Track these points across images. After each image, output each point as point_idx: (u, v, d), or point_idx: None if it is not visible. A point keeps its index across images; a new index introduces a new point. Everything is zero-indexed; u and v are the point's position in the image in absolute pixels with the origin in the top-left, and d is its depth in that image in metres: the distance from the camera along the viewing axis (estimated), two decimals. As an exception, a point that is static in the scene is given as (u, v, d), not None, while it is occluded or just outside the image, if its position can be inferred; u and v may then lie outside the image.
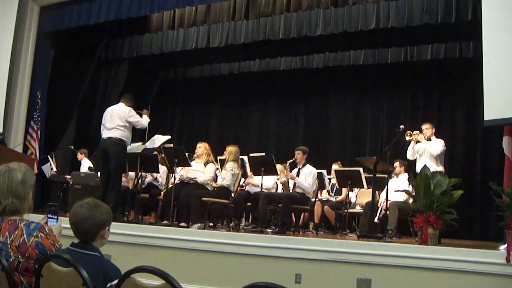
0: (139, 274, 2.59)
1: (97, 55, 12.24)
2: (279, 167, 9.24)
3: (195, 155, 9.27)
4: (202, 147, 9.27)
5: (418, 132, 8.70)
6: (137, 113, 8.80)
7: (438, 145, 8.48)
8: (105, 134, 8.61)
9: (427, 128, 8.68)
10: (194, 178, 8.89)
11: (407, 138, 8.70)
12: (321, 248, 6.78)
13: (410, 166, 9.23)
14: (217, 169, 9.71)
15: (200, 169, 9.06)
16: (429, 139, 8.60)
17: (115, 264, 3.03)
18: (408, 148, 8.79)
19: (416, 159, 8.74)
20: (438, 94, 11.93)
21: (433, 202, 6.84)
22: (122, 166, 8.84)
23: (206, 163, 9.10)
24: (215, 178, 9.47)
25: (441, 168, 8.35)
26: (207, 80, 14.09)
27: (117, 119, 8.55)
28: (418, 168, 8.29)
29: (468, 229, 9.84)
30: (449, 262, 6.23)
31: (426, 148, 8.51)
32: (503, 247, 6.28)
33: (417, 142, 8.64)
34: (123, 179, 9.33)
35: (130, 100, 8.84)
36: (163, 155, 9.33)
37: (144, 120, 8.85)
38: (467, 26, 9.00)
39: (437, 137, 8.70)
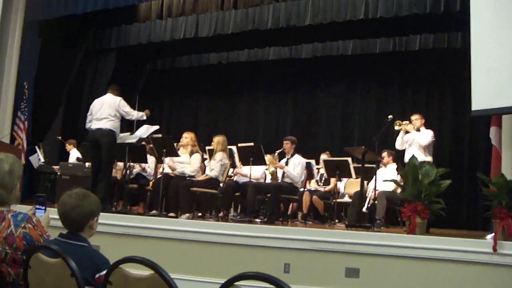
0: (128, 264, 2.59)
1: (84, 45, 12.17)
2: (267, 157, 9.25)
3: (179, 144, 9.23)
4: (188, 138, 9.24)
5: (407, 122, 8.71)
6: (132, 107, 8.82)
7: (427, 136, 8.50)
8: (94, 125, 8.55)
9: (416, 119, 8.69)
10: (181, 173, 8.91)
11: (396, 127, 8.71)
12: (309, 237, 6.81)
13: (398, 156, 9.26)
14: (205, 159, 9.71)
15: (185, 161, 9.06)
16: (418, 130, 8.61)
17: (103, 255, 3.02)
18: (397, 138, 8.80)
19: (404, 149, 8.76)
20: (426, 84, 11.98)
21: (421, 192, 6.87)
22: (113, 157, 8.82)
23: (191, 154, 9.10)
24: (203, 168, 9.47)
25: (429, 158, 8.38)
26: (196, 70, 14.04)
27: (108, 110, 8.50)
28: (406, 158, 8.33)
29: (455, 218, 9.90)
30: (436, 251, 6.28)
31: (415, 139, 8.52)
32: (490, 236, 6.34)
33: (406, 132, 8.66)
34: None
35: (118, 90, 8.82)
36: (151, 145, 9.30)
37: (135, 113, 8.81)
38: (455, 16, 9.02)
39: (426, 127, 8.72)
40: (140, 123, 9.54)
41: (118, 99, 8.62)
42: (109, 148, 8.45)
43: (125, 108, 8.65)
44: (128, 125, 10.40)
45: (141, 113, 8.91)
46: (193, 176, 8.90)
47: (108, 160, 8.51)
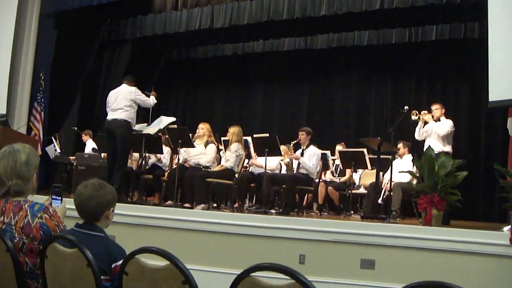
0: (144, 254, 2.60)
1: (100, 36, 12.19)
2: (283, 148, 9.24)
3: (195, 136, 9.24)
4: (204, 128, 9.24)
5: (426, 112, 8.56)
6: (145, 94, 8.82)
7: (445, 126, 8.33)
8: (110, 115, 8.58)
9: (436, 109, 8.52)
10: (197, 164, 8.92)
11: (413, 117, 8.59)
12: (325, 229, 6.79)
13: (414, 147, 9.20)
14: (220, 150, 9.71)
15: (201, 151, 9.06)
16: (438, 120, 8.46)
17: (119, 245, 3.04)
18: (416, 129, 8.65)
19: (425, 140, 8.63)
20: (442, 74, 11.90)
21: (437, 183, 6.83)
22: (129, 148, 8.85)
23: (206, 144, 9.10)
24: (218, 159, 9.48)
25: (448, 149, 8.22)
26: (211, 61, 14.06)
27: (123, 100, 8.52)
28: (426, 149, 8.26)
29: (472, 210, 9.85)
30: (452, 243, 6.24)
31: (434, 129, 8.39)
32: (506, 228, 6.29)
33: (425, 122, 8.53)
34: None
35: (133, 81, 8.83)
36: (167, 136, 9.32)
37: (150, 100, 8.86)
38: (472, 6, 8.93)
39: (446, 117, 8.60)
40: (155, 113, 9.57)
41: (133, 89, 8.64)
42: (124, 139, 8.47)
43: (141, 97, 8.69)
44: (144, 116, 10.44)
45: (152, 97, 8.94)
46: (208, 167, 8.91)
47: (123, 150, 8.53)
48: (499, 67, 6.93)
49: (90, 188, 3.07)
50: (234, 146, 8.79)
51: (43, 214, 3.03)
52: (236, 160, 8.77)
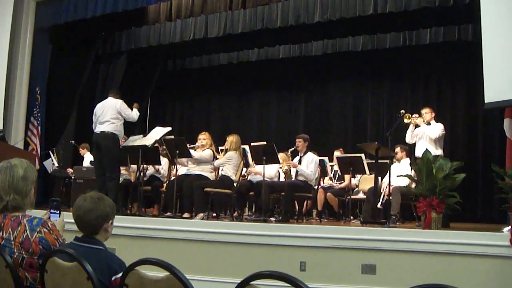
0: (144, 266, 2.60)
1: (95, 49, 12.21)
2: (281, 155, 9.23)
3: (196, 146, 9.20)
4: (206, 137, 9.16)
5: (417, 115, 8.66)
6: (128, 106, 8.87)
7: (437, 129, 8.45)
8: (97, 128, 8.69)
9: (426, 113, 8.64)
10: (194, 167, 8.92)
11: (406, 120, 8.64)
12: (325, 235, 6.80)
13: (411, 151, 9.21)
14: (217, 159, 9.70)
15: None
16: (428, 123, 8.55)
17: (119, 257, 3.03)
18: (407, 132, 8.75)
19: (415, 143, 8.71)
20: (438, 78, 11.91)
21: (435, 186, 6.83)
22: (116, 158, 8.77)
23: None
24: (216, 168, 9.46)
25: (440, 152, 8.33)
26: (206, 71, 14.05)
27: (109, 113, 8.63)
28: (417, 152, 8.36)
29: (471, 212, 9.86)
30: (453, 246, 6.25)
31: (425, 132, 8.48)
32: (506, 229, 6.29)
33: (416, 125, 8.61)
34: (125, 172, 9.33)
35: (118, 94, 8.93)
36: (164, 147, 9.32)
37: (134, 114, 8.90)
38: (465, 9, 8.96)
39: (437, 121, 8.67)
40: (152, 124, 9.56)
41: (119, 102, 8.73)
42: (110, 151, 8.55)
43: (127, 111, 8.75)
44: (141, 127, 10.45)
45: (135, 110, 8.99)
46: (203, 176, 8.85)
47: (109, 162, 8.58)
48: (493, 69, 6.95)
49: (89, 201, 3.07)
50: (228, 154, 8.80)
51: (42, 229, 3.03)
52: (232, 167, 8.77)
